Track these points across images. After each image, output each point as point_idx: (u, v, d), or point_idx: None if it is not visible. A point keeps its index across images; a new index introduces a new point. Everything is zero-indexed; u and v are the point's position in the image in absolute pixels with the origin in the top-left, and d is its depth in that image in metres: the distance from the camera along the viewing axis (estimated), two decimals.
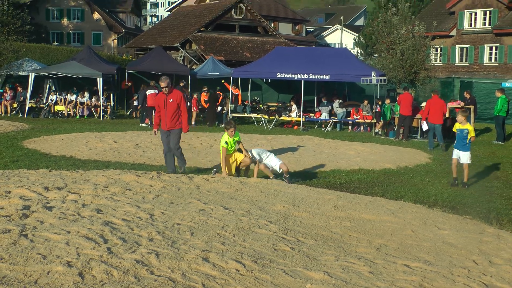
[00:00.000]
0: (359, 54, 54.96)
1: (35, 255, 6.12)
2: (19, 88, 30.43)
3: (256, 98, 33.29)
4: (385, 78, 27.08)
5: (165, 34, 51.08)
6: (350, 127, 27.72)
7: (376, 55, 36.78)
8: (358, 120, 27.14)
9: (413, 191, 12.08)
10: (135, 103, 31.01)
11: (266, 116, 28.06)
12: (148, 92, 26.12)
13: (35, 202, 8.84)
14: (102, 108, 29.51)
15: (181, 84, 27.75)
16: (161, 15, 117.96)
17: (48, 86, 32.46)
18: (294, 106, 28.47)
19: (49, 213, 8.16)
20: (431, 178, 13.82)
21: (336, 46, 68.99)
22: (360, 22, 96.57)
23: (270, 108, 30.32)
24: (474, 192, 12.28)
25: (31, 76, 29.26)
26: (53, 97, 30.49)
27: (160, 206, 9.02)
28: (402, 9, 30.64)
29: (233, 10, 49.59)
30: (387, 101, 25.79)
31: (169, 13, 73.15)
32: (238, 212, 8.83)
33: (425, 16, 47.20)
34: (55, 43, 61.46)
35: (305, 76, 26.89)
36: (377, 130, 25.27)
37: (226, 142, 12.33)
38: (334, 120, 27.46)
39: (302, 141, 20.76)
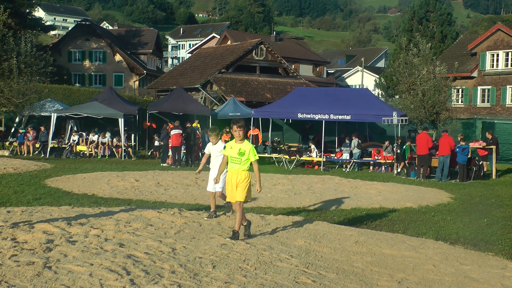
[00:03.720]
0: (380, 95, 55.10)
1: (59, 286, 6.21)
2: (42, 128, 30.83)
3: (276, 138, 33.44)
4: (406, 118, 27.10)
5: (186, 75, 51.65)
6: (371, 167, 27.64)
7: (397, 96, 36.85)
8: (379, 161, 27.09)
9: (435, 228, 12.00)
10: (156, 143, 31.28)
11: (287, 156, 28.12)
12: (173, 132, 26.36)
13: (58, 237, 8.95)
14: (123, 148, 29.77)
15: (188, 125, 27.79)
16: (182, 57, 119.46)
17: (70, 126, 32.87)
18: (312, 146, 28.53)
19: (72, 247, 8.25)
20: (452, 217, 13.71)
21: (357, 88, 69.26)
22: (380, 64, 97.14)
23: (291, 149, 30.41)
24: (496, 230, 12.17)
25: (53, 117, 29.67)
26: (75, 137, 30.85)
27: (182, 240, 9.08)
28: (423, 50, 30.76)
29: (254, 51, 50.11)
30: (408, 142, 25.82)
31: (190, 55, 74.15)
32: (260, 246, 8.85)
33: (446, 57, 47.38)
34: (77, 84, 62.37)
35: (326, 117, 26.93)
36: (399, 170, 25.20)
37: (225, 147, 10.11)
38: (355, 160, 27.42)
39: (323, 181, 20.77)
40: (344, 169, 27.16)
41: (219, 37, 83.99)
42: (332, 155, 28.73)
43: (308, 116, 27.46)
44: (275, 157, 28.92)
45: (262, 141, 31.04)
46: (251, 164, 9.59)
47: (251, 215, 12.15)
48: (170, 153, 27.20)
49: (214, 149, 11.67)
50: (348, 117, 26.83)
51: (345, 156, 27.94)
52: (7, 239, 8.63)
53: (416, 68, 30.30)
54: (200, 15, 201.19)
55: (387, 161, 26.77)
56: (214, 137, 11.70)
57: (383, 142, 27.88)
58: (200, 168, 12.12)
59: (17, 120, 33.02)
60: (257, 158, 9.56)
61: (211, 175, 11.65)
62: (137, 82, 66.74)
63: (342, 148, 28.45)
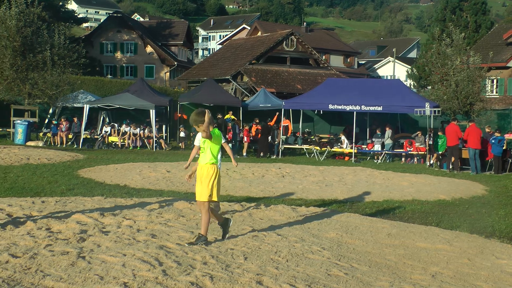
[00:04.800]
0: (412, 86, 54.53)
1: (93, 275, 6.26)
2: (75, 120, 31.14)
3: (307, 129, 33.32)
4: (439, 109, 26.76)
5: (217, 67, 51.73)
6: (403, 159, 27.40)
7: (430, 87, 36.43)
8: (411, 152, 26.84)
9: (469, 221, 11.81)
10: (182, 134, 31.35)
11: (318, 148, 28.00)
12: None
13: (91, 227, 9.05)
14: (155, 139, 29.93)
15: (219, 117, 27.77)
16: (212, 49, 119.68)
17: (102, 117, 33.18)
18: (343, 137, 28.37)
19: (105, 237, 8.33)
20: (487, 210, 13.49)
21: (388, 78, 68.65)
22: (412, 54, 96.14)
23: (322, 140, 30.28)
24: None
25: (86, 108, 29.95)
26: (107, 128, 31.11)
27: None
28: (456, 40, 30.34)
29: (284, 42, 49.98)
30: (440, 132, 25.53)
31: (220, 46, 74.24)
32: (291, 238, 8.83)
33: (480, 47, 46.57)
34: (109, 76, 62.90)
35: (357, 108, 26.74)
36: (431, 162, 24.93)
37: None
38: (386, 152, 27.20)
39: (354, 172, 20.62)
40: (375, 161, 26.97)
41: (249, 28, 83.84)
42: (363, 146, 28.56)
43: (339, 107, 27.30)
44: (306, 148, 28.81)
45: (292, 132, 30.93)
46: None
47: (282, 206, 12.13)
48: None
49: None
50: (380, 108, 26.62)
51: (377, 147, 27.74)
52: (42, 229, 8.75)
53: (449, 59, 29.92)
54: (230, 6, 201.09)
55: (419, 152, 26.51)
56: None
57: (415, 133, 27.60)
58: (189, 163, 10.48)
59: (50, 111, 33.44)
60: (223, 141, 8.48)
61: None
62: (168, 74, 67.07)
63: (374, 140, 28.25)
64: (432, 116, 25.75)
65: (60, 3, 62.54)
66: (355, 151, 27.07)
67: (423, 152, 26.21)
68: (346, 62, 74.96)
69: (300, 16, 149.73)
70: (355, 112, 26.90)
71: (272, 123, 29.58)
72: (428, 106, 25.16)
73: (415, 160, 26.80)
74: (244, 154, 28.11)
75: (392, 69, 71.90)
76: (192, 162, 9.83)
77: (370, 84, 31.97)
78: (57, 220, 9.49)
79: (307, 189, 15.58)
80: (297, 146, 29.44)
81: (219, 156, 8.99)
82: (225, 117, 29.31)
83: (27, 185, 14.46)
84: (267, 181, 17.06)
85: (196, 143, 10.58)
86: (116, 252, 7.38)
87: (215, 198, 8.40)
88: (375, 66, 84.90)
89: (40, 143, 29.54)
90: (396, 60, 74.19)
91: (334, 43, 76.40)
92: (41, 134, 31.71)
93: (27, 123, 29.80)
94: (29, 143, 29.05)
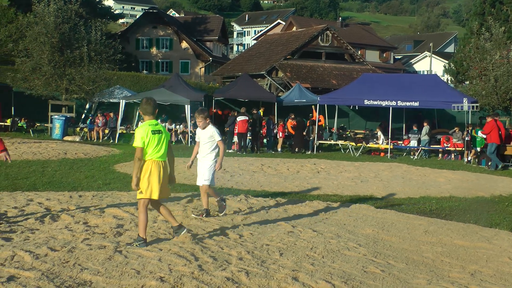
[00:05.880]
0: (449, 81, 53.79)
1: (130, 270, 6.31)
2: (111, 115, 31.43)
3: (343, 125, 33.15)
4: (478, 105, 26.34)
5: (252, 62, 51.73)
6: (440, 155, 27.06)
7: (468, 82, 35.91)
8: (448, 148, 26.50)
9: (509, 219, 11.58)
10: None
11: (353, 143, 27.82)
12: (239, 118, 26.43)
13: (127, 221, 9.13)
14: (190, 134, 30.05)
15: (254, 112, 27.90)
16: (247, 44, 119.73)
17: (138, 113, 33.40)
18: (379, 133, 28.13)
19: None
20: None
21: (425, 73, 67.91)
22: (449, 49, 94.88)
23: (357, 135, 30.08)
24: None
25: (122, 103, 30.21)
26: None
27: (248, 227, 9.09)
28: (496, 34, 29.83)
29: (319, 37, 49.76)
30: (477, 128, 25.13)
31: (255, 41, 74.24)
32: (327, 235, 8.78)
33: None
34: (145, 71, 63.35)
35: (393, 103, 26.45)
36: (469, 158, 24.55)
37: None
38: (423, 148, 26.88)
39: (390, 168, 20.45)
40: (412, 157, 26.69)
41: (284, 23, 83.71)
42: (399, 142, 28.28)
43: (375, 102, 27.03)
44: (341, 144, 28.65)
45: (327, 127, 30.77)
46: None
47: (318, 202, 12.07)
48: (235, 139, 27.28)
49: (203, 135, 10.16)
50: (416, 104, 26.28)
51: (413, 143, 27.45)
52: (79, 223, 8.85)
53: (488, 53, 29.44)
54: (265, 1, 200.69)
55: (456, 148, 26.15)
56: (202, 119, 10.06)
57: (453, 129, 27.23)
58: (192, 159, 10.36)
59: (87, 106, 33.80)
60: (137, 145, 8.02)
61: (199, 166, 10.28)
62: (203, 69, 67.30)
63: (410, 135, 27.96)
64: (470, 111, 25.38)
65: (97, 0, 63.19)
66: (391, 146, 26.81)
67: (460, 148, 25.85)
68: (382, 57, 74.36)
69: (335, 11, 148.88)
70: (391, 108, 26.63)
71: (314, 117, 29.46)
72: (466, 102, 24.79)
73: (452, 156, 26.45)
74: (279, 149, 28.08)
75: (429, 64, 71.14)
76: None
77: (406, 79, 31.61)
78: (94, 214, 9.59)
79: (342, 185, 15.49)
80: (332, 141, 29.30)
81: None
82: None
83: (64, 180, 14.63)
84: (302, 177, 17.01)
85: (196, 139, 10.50)
86: (152, 246, 7.44)
87: (152, 196, 7.79)
88: (411, 61, 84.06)
89: (77, 138, 29.88)
90: (433, 55, 73.35)
91: (369, 38, 75.83)
92: (78, 129, 32.08)
93: (64, 118, 30.17)
94: (66, 138, 29.39)
